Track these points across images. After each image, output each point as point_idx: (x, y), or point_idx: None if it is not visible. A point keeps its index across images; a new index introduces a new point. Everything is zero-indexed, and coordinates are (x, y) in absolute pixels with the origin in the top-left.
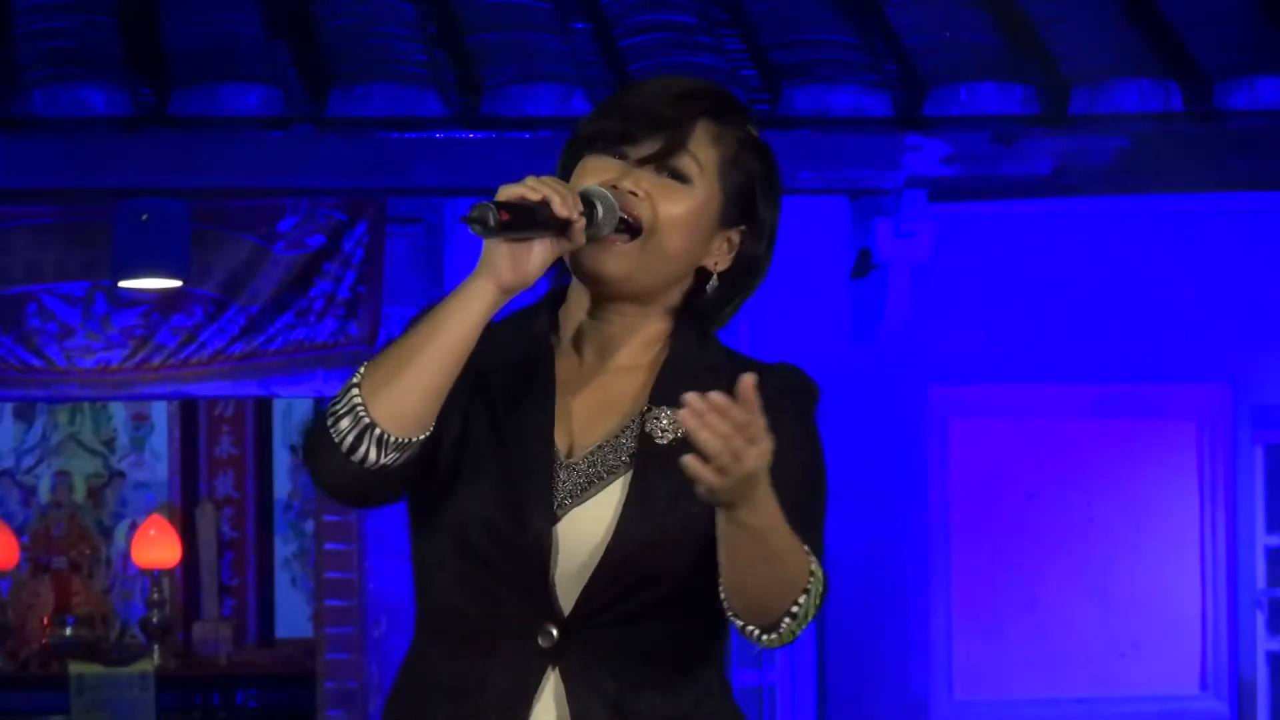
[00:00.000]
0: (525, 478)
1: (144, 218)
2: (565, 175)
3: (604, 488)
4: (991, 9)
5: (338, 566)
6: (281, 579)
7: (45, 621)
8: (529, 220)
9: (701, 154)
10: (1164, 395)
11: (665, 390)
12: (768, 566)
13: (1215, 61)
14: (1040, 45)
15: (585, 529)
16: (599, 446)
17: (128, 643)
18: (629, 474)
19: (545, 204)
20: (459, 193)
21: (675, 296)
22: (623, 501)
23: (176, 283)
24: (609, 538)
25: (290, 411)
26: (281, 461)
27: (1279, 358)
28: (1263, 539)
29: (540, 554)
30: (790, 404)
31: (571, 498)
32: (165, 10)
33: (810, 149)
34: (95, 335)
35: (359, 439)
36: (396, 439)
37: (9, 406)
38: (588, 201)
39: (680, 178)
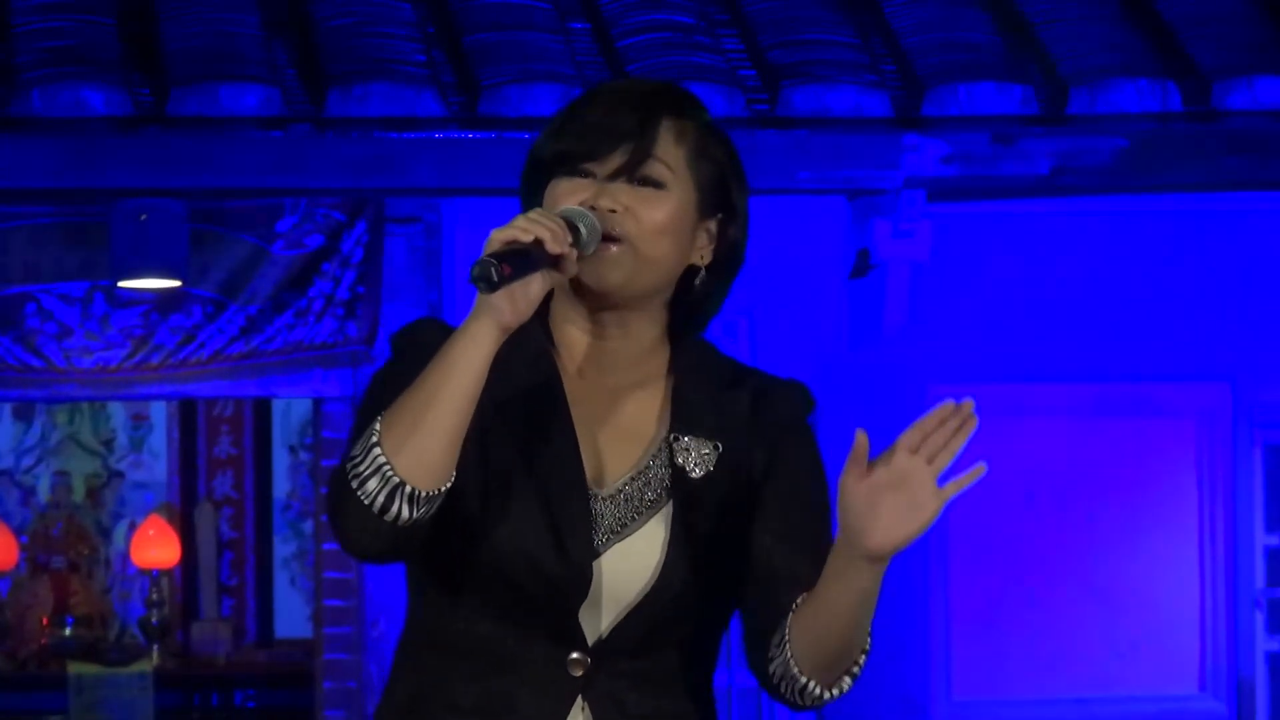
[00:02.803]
0: (564, 512)
1: (143, 218)
2: (532, 199)
3: (644, 523)
4: (990, 9)
5: (336, 566)
6: (280, 579)
7: (44, 621)
8: (528, 264)
9: (669, 155)
10: (1163, 394)
11: (685, 416)
12: (860, 625)
13: (1214, 61)
14: (1039, 45)
15: (627, 565)
16: (631, 478)
17: (126, 643)
18: (668, 508)
19: (539, 243)
20: (458, 193)
21: (668, 295)
22: (667, 540)
23: (175, 283)
24: (656, 575)
25: (289, 411)
26: (280, 462)
27: (1278, 357)
28: (1262, 539)
29: (580, 588)
30: (805, 432)
31: (612, 533)
32: (164, 10)
33: (809, 149)
34: (94, 335)
35: (390, 498)
36: (426, 493)
37: (8, 406)
38: (571, 225)
39: (653, 184)
